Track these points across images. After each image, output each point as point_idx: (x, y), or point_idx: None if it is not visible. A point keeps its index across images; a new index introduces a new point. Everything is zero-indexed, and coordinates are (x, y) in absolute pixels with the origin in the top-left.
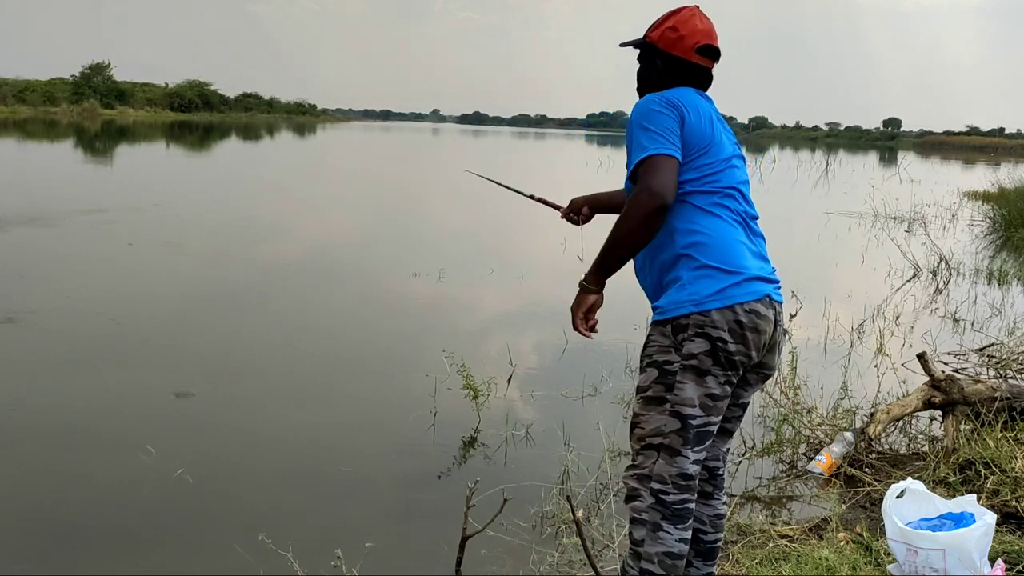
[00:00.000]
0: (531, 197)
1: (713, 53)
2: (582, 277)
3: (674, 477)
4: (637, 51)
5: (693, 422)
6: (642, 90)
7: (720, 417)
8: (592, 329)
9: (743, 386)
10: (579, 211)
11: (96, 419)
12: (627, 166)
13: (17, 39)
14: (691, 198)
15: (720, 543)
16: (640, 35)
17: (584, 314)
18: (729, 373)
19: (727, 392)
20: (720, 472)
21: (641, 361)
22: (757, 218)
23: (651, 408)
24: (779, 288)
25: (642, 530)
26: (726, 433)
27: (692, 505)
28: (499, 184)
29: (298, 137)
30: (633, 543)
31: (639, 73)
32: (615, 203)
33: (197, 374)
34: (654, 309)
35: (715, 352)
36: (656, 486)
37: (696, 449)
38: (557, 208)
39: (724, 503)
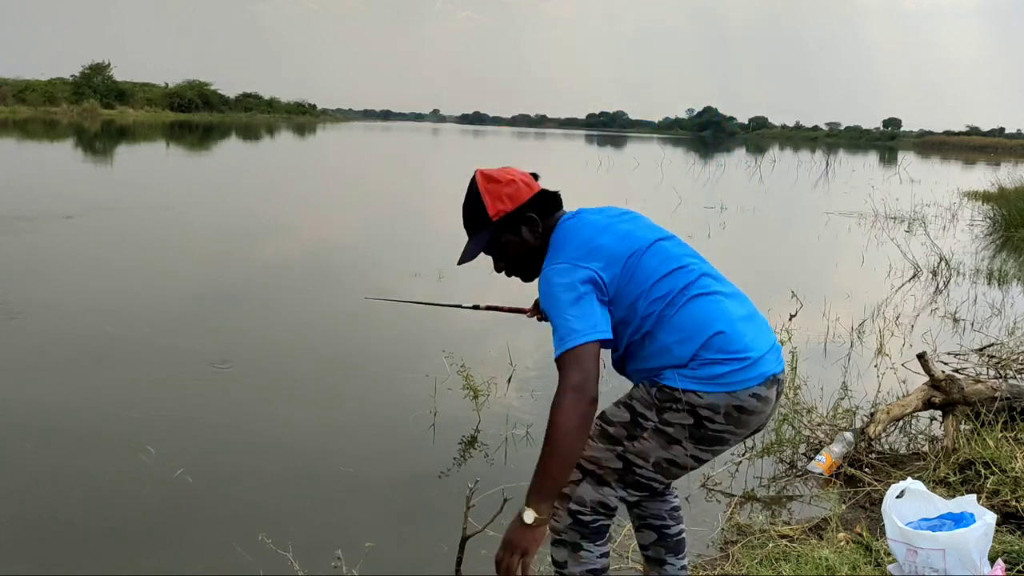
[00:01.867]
0: (476, 308)
1: (536, 178)
2: (521, 512)
3: (594, 503)
4: (484, 244)
5: (638, 471)
6: (528, 259)
7: (672, 479)
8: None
9: None
10: None
11: (96, 419)
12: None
13: (17, 39)
14: (668, 309)
15: (684, 534)
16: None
17: (523, 559)
18: (701, 448)
19: (689, 464)
20: None
21: (623, 397)
22: (721, 279)
23: (603, 441)
24: (779, 355)
25: (563, 551)
26: None
27: (609, 523)
28: (436, 304)
29: (298, 137)
30: (556, 565)
31: (507, 250)
32: None
33: (197, 374)
34: (645, 371)
35: (697, 428)
36: (574, 507)
37: (630, 492)
38: (520, 311)
39: (675, 496)
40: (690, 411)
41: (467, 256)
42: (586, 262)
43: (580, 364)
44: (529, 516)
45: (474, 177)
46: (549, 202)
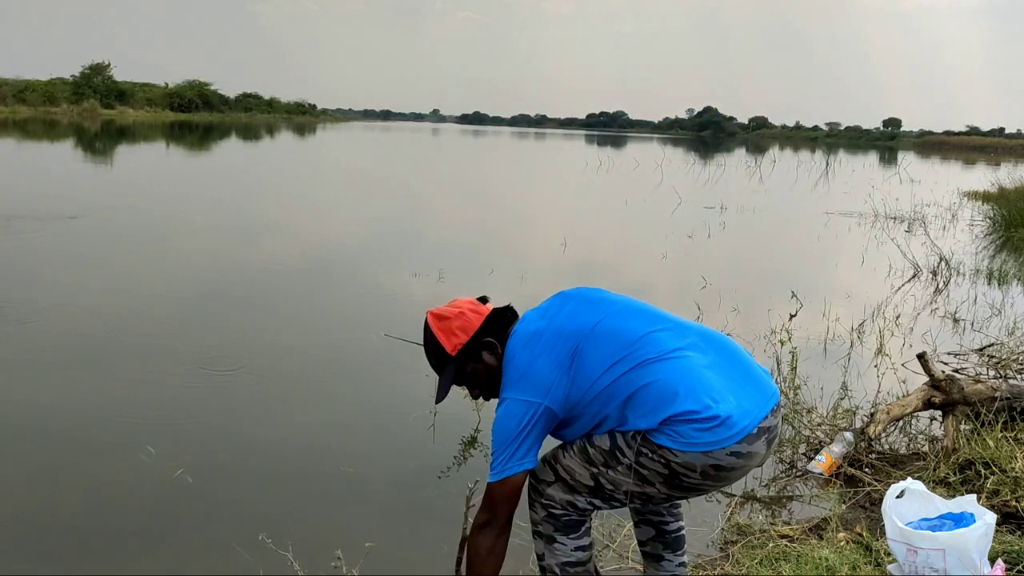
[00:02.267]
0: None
1: (485, 300)
2: None
3: (563, 502)
4: (452, 379)
5: (609, 492)
6: (498, 381)
7: (645, 506)
8: None
9: None
10: None
11: (96, 419)
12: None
13: (17, 39)
14: (622, 393)
15: (683, 531)
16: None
17: None
18: (676, 492)
19: (663, 501)
20: None
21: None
22: (679, 328)
23: (581, 457)
24: (765, 394)
25: (540, 543)
26: None
27: (583, 520)
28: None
29: (298, 137)
30: (537, 556)
31: (476, 378)
32: None
33: (197, 374)
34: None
35: (672, 478)
36: (545, 501)
37: (600, 503)
38: None
39: None
40: (665, 464)
41: (441, 395)
42: (527, 394)
43: (493, 501)
44: None
45: (426, 320)
46: (502, 321)
